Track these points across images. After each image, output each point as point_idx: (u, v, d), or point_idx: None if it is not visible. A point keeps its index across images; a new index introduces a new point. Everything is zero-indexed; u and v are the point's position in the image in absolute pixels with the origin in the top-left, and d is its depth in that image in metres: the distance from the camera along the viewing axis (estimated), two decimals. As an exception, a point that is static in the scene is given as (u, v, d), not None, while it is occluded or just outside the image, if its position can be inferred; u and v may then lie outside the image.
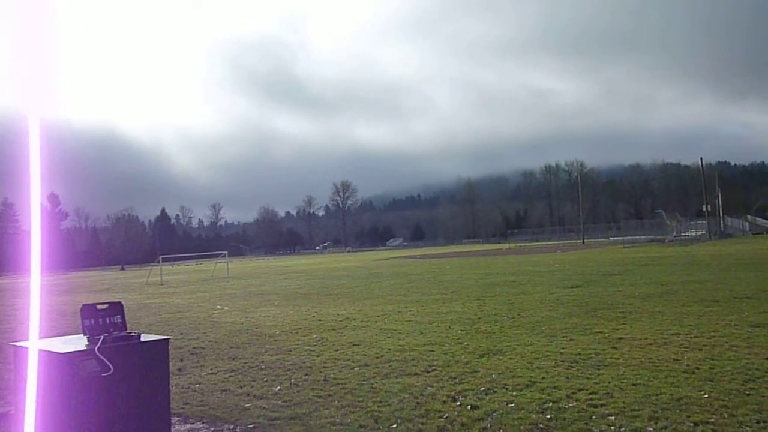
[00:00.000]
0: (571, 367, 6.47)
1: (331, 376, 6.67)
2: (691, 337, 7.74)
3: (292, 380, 6.57)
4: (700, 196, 71.26)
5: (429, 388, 5.91)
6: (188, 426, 5.11)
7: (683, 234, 56.87)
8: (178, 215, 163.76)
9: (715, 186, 69.29)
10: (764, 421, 4.38)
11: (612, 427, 4.42)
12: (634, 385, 5.58)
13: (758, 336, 7.57)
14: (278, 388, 6.26)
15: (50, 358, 4.07)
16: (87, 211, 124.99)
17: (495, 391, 5.64)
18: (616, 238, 68.11)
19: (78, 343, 4.25)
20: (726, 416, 4.51)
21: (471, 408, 5.13)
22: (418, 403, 5.38)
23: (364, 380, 6.38)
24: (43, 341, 4.55)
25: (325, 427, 4.80)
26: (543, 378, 6.03)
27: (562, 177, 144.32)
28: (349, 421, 4.95)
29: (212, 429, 5.01)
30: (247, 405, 5.65)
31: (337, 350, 8.28)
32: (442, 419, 4.86)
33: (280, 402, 5.69)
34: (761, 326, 8.23)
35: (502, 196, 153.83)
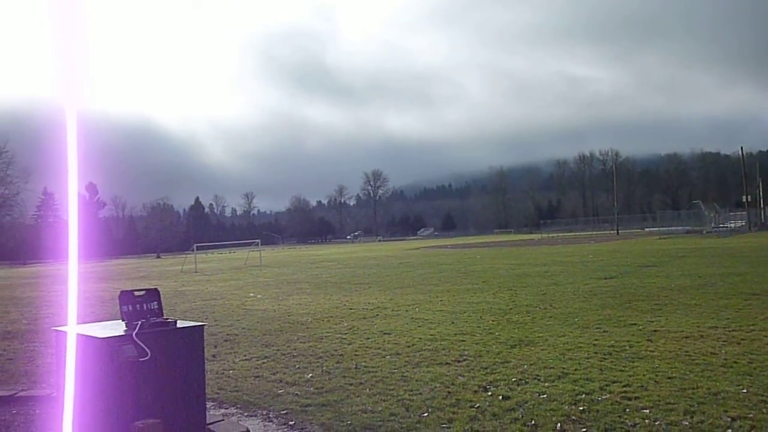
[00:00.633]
0: (605, 359, 6.40)
1: (363, 364, 6.72)
2: (729, 331, 7.57)
3: (324, 368, 6.63)
4: (739, 186, 69.47)
5: (460, 377, 5.91)
6: (222, 411, 5.20)
7: (722, 225, 55.56)
8: (212, 204, 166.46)
9: (756, 176, 67.40)
10: (805, 417, 4.27)
11: (646, 421, 4.36)
12: (669, 378, 5.49)
13: (800, 330, 7.36)
14: (310, 375, 6.32)
15: (90, 343, 4.18)
16: (124, 200, 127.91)
17: (527, 382, 5.61)
18: (651, 229, 66.95)
19: (116, 328, 4.36)
20: (765, 412, 4.40)
21: (502, 398, 5.11)
22: (449, 392, 5.39)
23: (395, 369, 6.41)
24: (82, 326, 4.67)
25: (357, 415, 4.84)
26: (576, 369, 5.97)
27: (596, 166, 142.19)
28: (380, 408, 4.98)
29: (246, 414, 5.09)
30: (279, 391, 5.73)
31: (368, 339, 8.32)
32: (473, 409, 4.86)
33: (311, 389, 5.75)
34: (803, 320, 8.00)
35: (535, 185, 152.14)
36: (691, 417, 4.38)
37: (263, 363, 7.08)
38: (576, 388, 5.31)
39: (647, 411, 4.58)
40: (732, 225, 55.93)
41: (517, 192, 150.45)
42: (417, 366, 6.50)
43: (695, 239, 40.73)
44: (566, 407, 4.77)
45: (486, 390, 5.41)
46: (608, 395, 5.04)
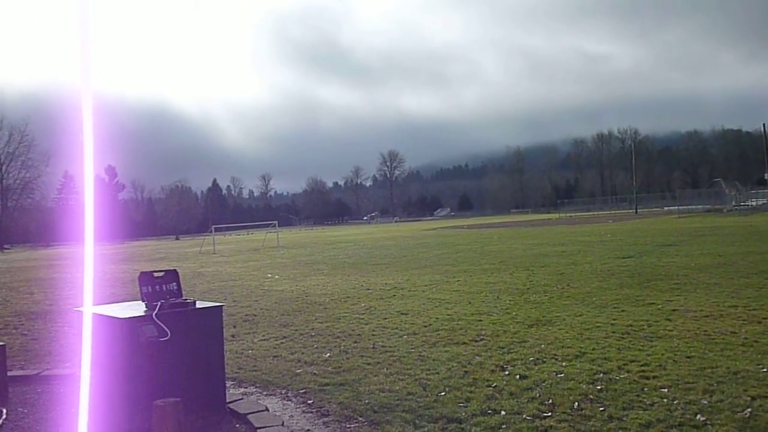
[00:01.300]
0: (623, 338, 6.37)
1: (380, 343, 6.76)
2: (749, 310, 7.50)
3: (342, 347, 6.68)
4: (762, 163, 68.17)
5: (477, 357, 5.92)
6: (242, 390, 5.27)
7: (743, 203, 54.67)
8: (229, 186, 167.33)
9: (778, 153, 66.10)
10: (827, 397, 4.22)
11: (665, 400, 4.35)
12: (688, 357, 5.46)
13: (822, 309, 7.27)
14: (328, 354, 6.38)
15: (111, 323, 4.25)
16: (142, 182, 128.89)
17: (544, 361, 5.60)
18: (670, 208, 66.12)
19: (137, 309, 4.42)
20: (786, 391, 4.36)
21: (519, 377, 5.12)
22: (466, 371, 5.40)
23: (412, 348, 6.44)
24: (103, 307, 4.75)
25: (374, 394, 4.88)
26: (593, 349, 5.96)
27: (615, 145, 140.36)
28: (397, 388, 5.01)
29: (265, 393, 5.15)
30: (298, 371, 5.78)
31: (386, 319, 8.36)
32: (491, 388, 4.87)
33: (329, 368, 5.80)
34: (826, 299, 7.90)
35: (552, 165, 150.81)
36: (710, 396, 4.36)
37: (282, 343, 7.15)
38: (594, 367, 5.30)
39: (665, 390, 4.56)
40: (753, 203, 54.99)
41: (535, 171, 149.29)
42: (434, 345, 6.52)
43: (715, 218, 40.22)
44: (584, 386, 4.76)
45: (503, 369, 5.42)
46: (626, 374, 5.03)
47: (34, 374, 5.89)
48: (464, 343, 6.58)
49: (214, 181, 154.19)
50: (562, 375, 5.11)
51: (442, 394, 4.79)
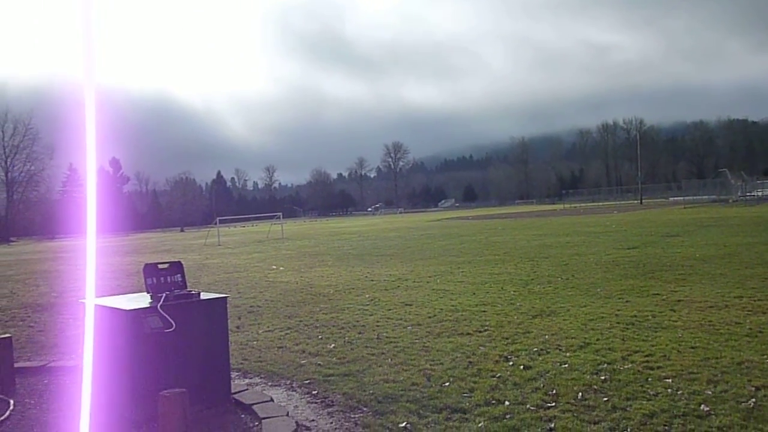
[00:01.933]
0: (627, 329, 6.37)
1: (384, 334, 6.77)
2: (754, 300, 7.48)
3: (346, 338, 6.70)
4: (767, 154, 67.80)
5: (481, 347, 5.93)
6: (247, 380, 5.29)
7: (749, 194, 54.44)
8: (233, 178, 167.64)
9: (784, 143, 65.76)
10: (831, 387, 4.22)
11: (669, 390, 4.35)
12: (692, 348, 5.45)
13: (828, 299, 7.25)
14: (332, 345, 6.40)
15: (116, 314, 4.27)
16: (147, 175, 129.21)
17: (548, 352, 5.61)
18: (676, 199, 65.96)
19: (142, 300, 4.44)
20: (790, 381, 4.36)
21: (524, 368, 5.13)
22: (470, 362, 5.41)
23: (416, 339, 6.45)
24: (109, 299, 4.77)
25: (379, 384, 4.89)
26: (597, 339, 5.96)
27: (620, 135, 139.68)
28: (401, 378, 5.03)
29: (270, 384, 5.18)
30: (302, 361, 5.81)
31: (390, 310, 8.38)
32: (495, 378, 4.88)
33: (334, 359, 5.82)
34: (831, 289, 7.87)
35: (557, 156, 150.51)
36: (715, 386, 4.36)
37: (286, 334, 7.17)
38: (598, 357, 5.30)
39: (669, 380, 4.56)
40: (759, 193, 54.76)
41: (539, 162, 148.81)
42: (438, 336, 6.54)
43: (721, 208, 40.07)
44: (588, 377, 4.77)
45: (507, 360, 5.43)
46: (630, 365, 5.03)
47: (40, 366, 5.93)
48: (468, 333, 6.59)
49: (219, 173, 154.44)
50: (566, 365, 5.12)
51: (447, 384, 4.80)
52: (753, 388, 4.26)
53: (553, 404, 4.22)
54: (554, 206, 79.70)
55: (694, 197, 57.98)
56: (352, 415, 4.27)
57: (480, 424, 3.93)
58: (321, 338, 6.80)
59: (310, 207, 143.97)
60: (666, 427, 3.71)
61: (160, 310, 4.21)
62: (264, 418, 4.17)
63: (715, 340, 5.65)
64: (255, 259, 19.43)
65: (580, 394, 4.38)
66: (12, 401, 4.77)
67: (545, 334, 6.32)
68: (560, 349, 5.68)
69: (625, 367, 4.98)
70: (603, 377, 4.73)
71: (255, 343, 6.78)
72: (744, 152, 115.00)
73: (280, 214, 43.37)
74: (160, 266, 4.66)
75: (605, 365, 5.06)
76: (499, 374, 4.99)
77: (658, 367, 4.91)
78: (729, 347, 5.38)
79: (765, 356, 5.02)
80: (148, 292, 4.51)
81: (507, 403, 4.29)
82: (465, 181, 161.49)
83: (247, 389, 4.91)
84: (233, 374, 5.19)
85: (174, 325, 4.19)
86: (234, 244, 30.46)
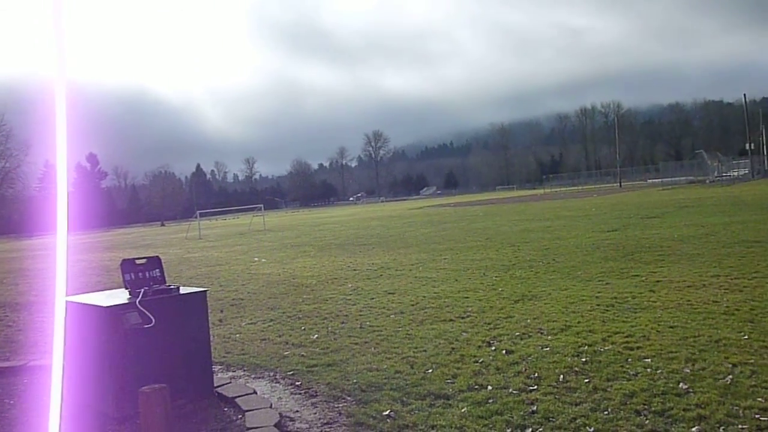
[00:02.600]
0: (607, 310, 6.44)
1: (367, 323, 6.78)
2: (731, 279, 7.60)
3: (329, 328, 6.70)
4: (743, 134, 68.80)
5: (464, 333, 5.96)
6: (230, 374, 5.27)
7: (725, 174, 55.31)
8: (213, 171, 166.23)
9: (759, 123, 66.83)
10: (806, 361, 4.30)
11: (648, 369, 4.41)
12: (671, 327, 5.53)
13: (802, 276, 7.38)
14: (316, 336, 6.39)
15: (95, 311, 4.22)
16: (125, 169, 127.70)
17: (530, 336, 5.66)
18: (654, 181, 66.78)
19: (120, 296, 4.39)
20: (766, 357, 4.44)
21: (506, 352, 5.16)
22: (453, 348, 5.44)
23: (399, 327, 6.47)
24: (87, 296, 4.71)
25: (362, 373, 4.90)
26: (578, 322, 6.02)
27: (599, 119, 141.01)
28: (385, 366, 5.04)
29: (253, 376, 5.16)
30: (286, 353, 5.80)
31: (373, 299, 8.38)
32: (477, 364, 4.92)
33: (317, 349, 5.81)
34: (805, 266, 8.02)
35: (537, 141, 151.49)
36: (693, 364, 4.43)
37: (269, 326, 7.15)
38: (579, 340, 5.36)
39: (649, 360, 4.62)
40: (735, 173, 55.69)
41: (519, 148, 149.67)
42: (421, 324, 6.56)
43: (698, 189, 40.64)
44: (569, 359, 4.82)
45: (489, 345, 5.46)
46: (611, 346, 5.09)
47: (20, 365, 5.85)
48: (451, 320, 6.62)
49: (198, 166, 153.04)
50: (548, 349, 5.16)
51: (430, 371, 4.82)
52: (730, 365, 4.33)
53: (535, 387, 4.26)
54: (535, 191, 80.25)
55: (672, 179, 58.78)
56: (336, 405, 4.28)
57: (463, 410, 3.96)
58: (304, 329, 6.79)
59: (292, 198, 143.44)
60: (645, 406, 3.76)
61: (139, 306, 4.17)
62: (247, 411, 4.16)
63: (693, 319, 5.74)
64: (237, 252, 19.33)
65: (562, 376, 4.42)
66: (-9, 402, 4.70)
67: (527, 319, 6.37)
68: (542, 333, 5.73)
69: (606, 348, 5.04)
70: (584, 359, 4.78)
71: (238, 335, 6.75)
72: (719, 133, 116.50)
73: (262, 206, 43.14)
74: (138, 262, 4.61)
75: (586, 347, 5.11)
76: (481, 359, 5.02)
77: (638, 348, 4.97)
78: (707, 326, 5.47)
79: (741, 333, 5.10)
80: (126, 288, 4.47)
81: (489, 387, 4.32)
82: (446, 169, 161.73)
83: (230, 382, 4.89)
84: (216, 368, 5.16)
85: (153, 320, 4.15)
86: (215, 237, 30.26)
